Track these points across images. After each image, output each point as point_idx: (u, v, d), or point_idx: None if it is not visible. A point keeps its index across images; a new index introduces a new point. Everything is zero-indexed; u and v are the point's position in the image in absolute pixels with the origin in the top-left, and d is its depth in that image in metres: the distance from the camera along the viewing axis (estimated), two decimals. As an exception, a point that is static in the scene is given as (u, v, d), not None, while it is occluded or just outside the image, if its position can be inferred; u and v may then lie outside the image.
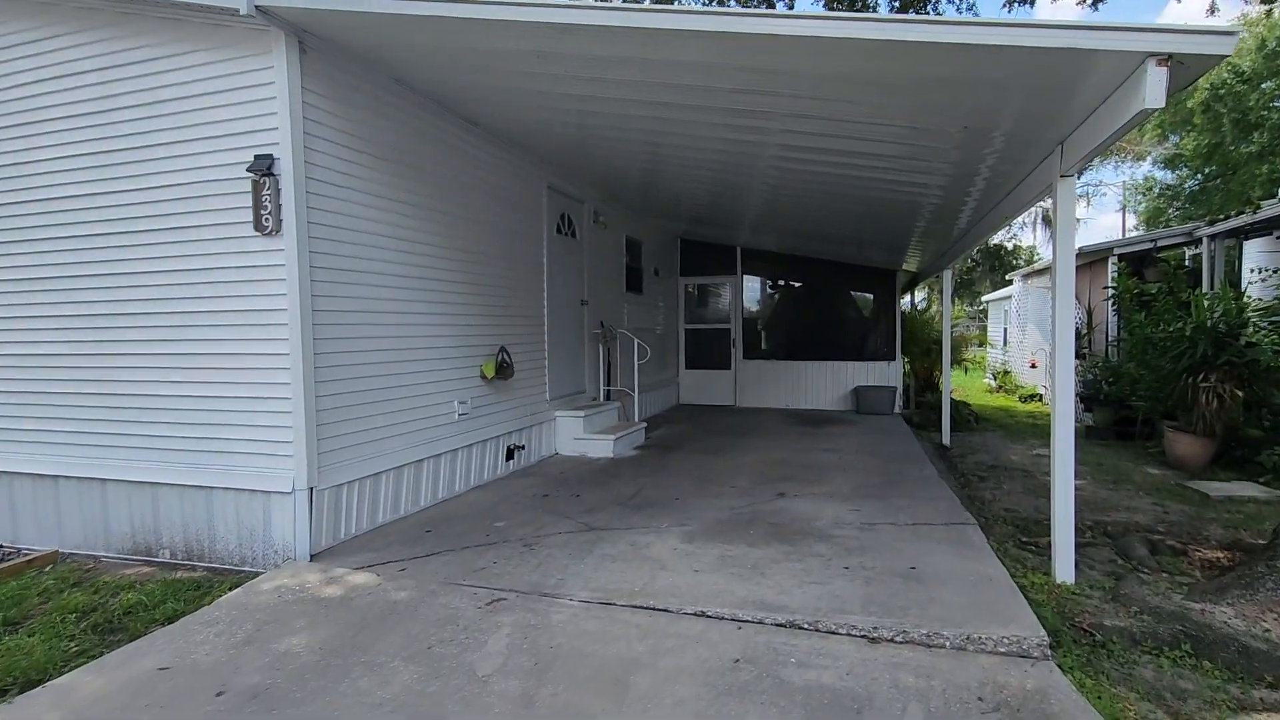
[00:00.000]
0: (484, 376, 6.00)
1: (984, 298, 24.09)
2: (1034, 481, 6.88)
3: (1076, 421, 11.68)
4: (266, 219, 4.04)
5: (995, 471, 7.39)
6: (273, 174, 4.01)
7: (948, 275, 9.00)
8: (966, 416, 10.83)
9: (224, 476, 4.29)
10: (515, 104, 5.42)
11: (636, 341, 8.66)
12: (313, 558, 4.17)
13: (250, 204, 4.06)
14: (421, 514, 5.13)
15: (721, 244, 12.38)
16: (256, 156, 4.03)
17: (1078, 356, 12.31)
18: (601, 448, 7.38)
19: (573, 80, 4.61)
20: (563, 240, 7.78)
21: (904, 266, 11.71)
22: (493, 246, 6.24)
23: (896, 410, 11.20)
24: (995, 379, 17.51)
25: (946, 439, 8.86)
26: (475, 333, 5.95)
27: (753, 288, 12.53)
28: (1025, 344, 16.11)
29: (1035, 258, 32.15)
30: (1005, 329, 19.31)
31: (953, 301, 24.91)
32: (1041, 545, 4.49)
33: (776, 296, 12.63)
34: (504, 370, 6.19)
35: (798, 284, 12.50)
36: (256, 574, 4.12)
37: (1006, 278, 22.65)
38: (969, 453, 8.57)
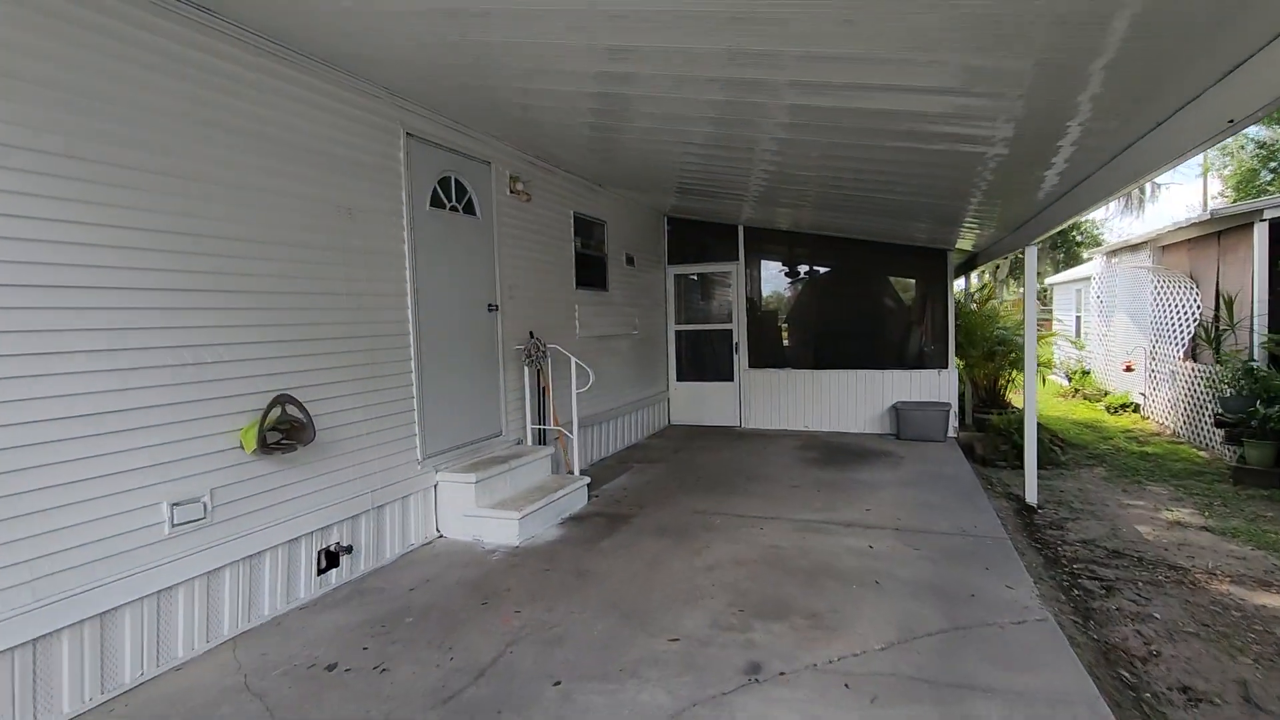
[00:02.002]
0: (244, 448, 3.52)
1: (1048, 280, 20.72)
2: (1204, 595, 4.12)
3: (1208, 453, 8.55)
4: None
5: (1125, 568, 4.62)
6: None
7: (1031, 253, 6.18)
8: (1050, 445, 7.98)
9: None
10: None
11: (574, 361, 6.07)
12: None
13: None
14: (42, 741, 2.68)
15: (720, 222, 9.69)
16: None
17: (1193, 359, 9.30)
18: (502, 530, 4.86)
19: None
20: (447, 217, 5.24)
21: (958, 245, 8.86)
22: (269, 230, 3.72)
23: (951, 433, 8.42)
24: (1070, 380, 14.43)
25: (1031, 493, 6.07)
26: (229, 374, 3.46)
27: (761, 277, 9.81)
28: (1111, 337, 12.98)
29: (1097, 234, 28.40)
30: (1078, 317, 16.11)
31: (1008, 287, 21.59)
32: None
33: (792, 288, 9.89)
34: (292, 433, 3.69)
35: (819, 270, 9.72)
36: None
37: (1085, 256, 19.36)
38: (1068, 516, 5.79)
